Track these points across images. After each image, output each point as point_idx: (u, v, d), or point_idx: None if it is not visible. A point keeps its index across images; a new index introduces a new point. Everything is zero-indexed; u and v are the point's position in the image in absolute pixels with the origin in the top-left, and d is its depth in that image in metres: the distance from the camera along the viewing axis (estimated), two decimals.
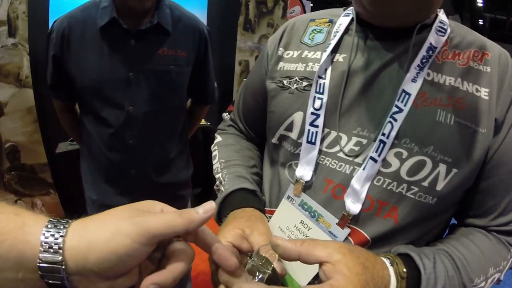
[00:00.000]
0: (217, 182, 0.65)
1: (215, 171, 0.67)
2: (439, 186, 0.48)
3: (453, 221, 0.61)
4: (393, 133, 0.48)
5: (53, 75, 1.05)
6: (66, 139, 1.93)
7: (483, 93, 0.49)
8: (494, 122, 0.49)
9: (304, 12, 3.65)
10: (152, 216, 0.31)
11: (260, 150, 0.75)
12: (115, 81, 0.98)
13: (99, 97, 1.00)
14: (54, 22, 1.00)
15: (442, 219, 0.56)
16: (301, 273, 0.51)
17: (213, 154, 0.72)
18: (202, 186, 2.65)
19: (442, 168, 0.48)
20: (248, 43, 2.52)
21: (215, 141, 0.75)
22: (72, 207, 1.58)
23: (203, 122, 2.38)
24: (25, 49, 1.77)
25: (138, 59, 0.98)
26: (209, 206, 0.33)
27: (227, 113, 0.80)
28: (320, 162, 0.54)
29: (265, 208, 0.62)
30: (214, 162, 0.70)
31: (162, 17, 0.99)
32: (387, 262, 0.42)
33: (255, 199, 0.58)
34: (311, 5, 4.06)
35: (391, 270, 0.41)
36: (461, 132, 0.48)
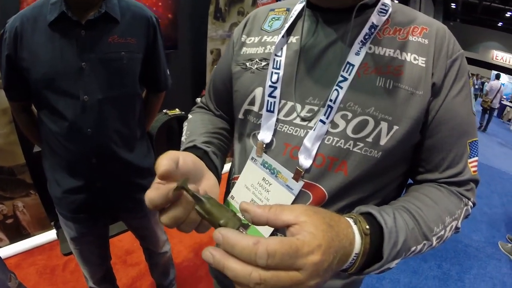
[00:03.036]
0: None
1: (181, 144, 0.72)
2: (382, 141, 0.54)
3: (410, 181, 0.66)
4: (339, 99, 0.54)
5: (7, 75, 1.06)
6: None
7: (420, 61, 0.54)
8: (431, 86, 0.54)
9: None
10: None
11: (230, 126, 0.80)
12: (68, 71, 1.00)
13: (54, 89, 1.01)
14: (6, 22, 1.01)
15: (394, 176, 0.61)
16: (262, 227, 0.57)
17: (183, 129, 0.77)
18: None
19: (383, 125, 0.53)
20: (219, 32, 2.54)
21: (186, 120, 0.80)
22: (53, 206, 1.59)
23: (177, 111, 2.41)
24: None
25: (89, 48, 1.01)
26: None
27: (199, 98, 0.87)
28: (279, 129, 0.60)
29: (235, 175, 0.68)
30: (182, 136, 0.75)
31: (110, 6, 1.02)
32: (350, 221, 0.44)
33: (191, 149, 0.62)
34: None
35: (355, 228, 0.43)
36: (399, 94, 0.53)
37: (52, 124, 1.06)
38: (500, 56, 11.55)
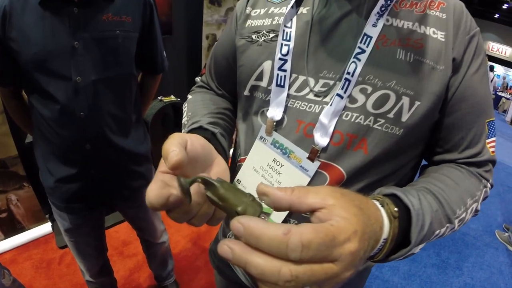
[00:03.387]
0: None
1: (182, 126, 0.68)
2: (404, 118, 0.51)
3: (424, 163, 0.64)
4: (357, 71, 0.50)
5: None
6: None
7: (440, 35, 0.52)
8: (452, 61, 0.51)
9: None
10: None
11: (233, 106, 0.76)
12: (60, 51, 0.95)
13: (45, 71, 0.96)
14: None
15: (413, 155, 0.58)
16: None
17: (183, 111, 0.72)
18: None
19: (405, 100, 0.50)
20: (215, 17, 2.48)
21: (186, 100, 0.76)
22: (47, 198, 1.56)
23: (173, 98, 2.36)
24: None
25: (82, 27, 0.96)
26: None
27: (199, 77, 0.81)
28: (291, 105, 0.56)
29: (241, 157, 0.64)
30: (183, 118, 0.70)
31: None
32: (377, 203, 0.40)
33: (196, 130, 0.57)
34: None
35: (382, 211, 0.40)
36: (421, 68, 0.50)
37: (44, 108, 1.01)
38: (496, 48, 11.58)
